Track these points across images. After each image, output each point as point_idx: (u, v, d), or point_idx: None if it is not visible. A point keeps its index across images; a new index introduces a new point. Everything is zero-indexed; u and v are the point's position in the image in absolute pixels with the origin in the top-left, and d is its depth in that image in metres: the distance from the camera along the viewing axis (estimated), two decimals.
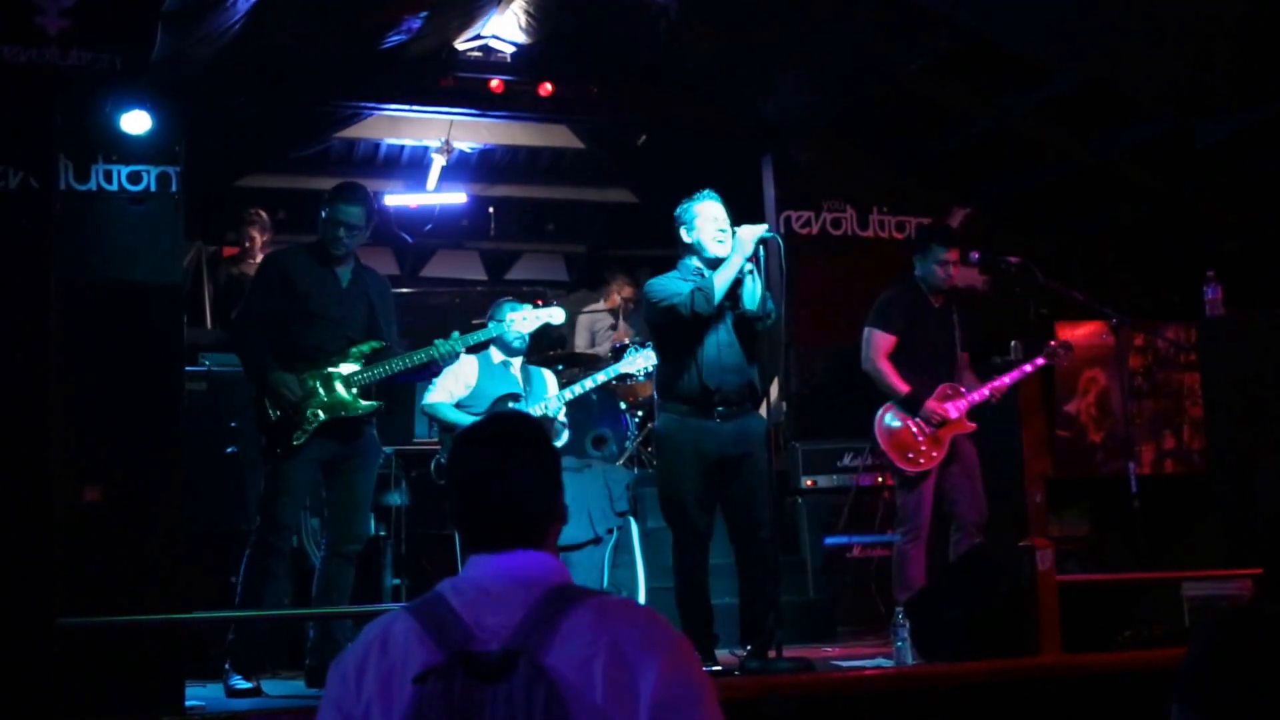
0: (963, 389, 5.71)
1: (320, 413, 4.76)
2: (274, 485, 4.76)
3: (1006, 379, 5.81)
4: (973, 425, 5.67)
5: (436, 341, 4.98)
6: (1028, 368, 5.86)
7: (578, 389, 5.94)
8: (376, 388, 4.95)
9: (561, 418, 5.87)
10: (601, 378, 6.03)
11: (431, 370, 5.21)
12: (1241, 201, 7.20)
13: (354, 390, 4.84)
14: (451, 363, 5.29)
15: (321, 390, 4.79)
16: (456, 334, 5.05)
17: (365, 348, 4.90)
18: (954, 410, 5.61)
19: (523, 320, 5.59)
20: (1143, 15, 5.59)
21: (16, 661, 3.92)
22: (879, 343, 5.72)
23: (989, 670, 4.47)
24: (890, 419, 5.67)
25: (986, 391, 5.71)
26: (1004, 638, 4.65)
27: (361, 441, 4.93)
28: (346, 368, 4.85)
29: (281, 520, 4.74)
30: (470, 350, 6.34)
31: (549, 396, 5.90)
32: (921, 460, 5.58)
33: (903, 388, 5.62)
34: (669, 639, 1.75)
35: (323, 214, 4.93)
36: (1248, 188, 7.05)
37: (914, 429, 5.60)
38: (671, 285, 4.84)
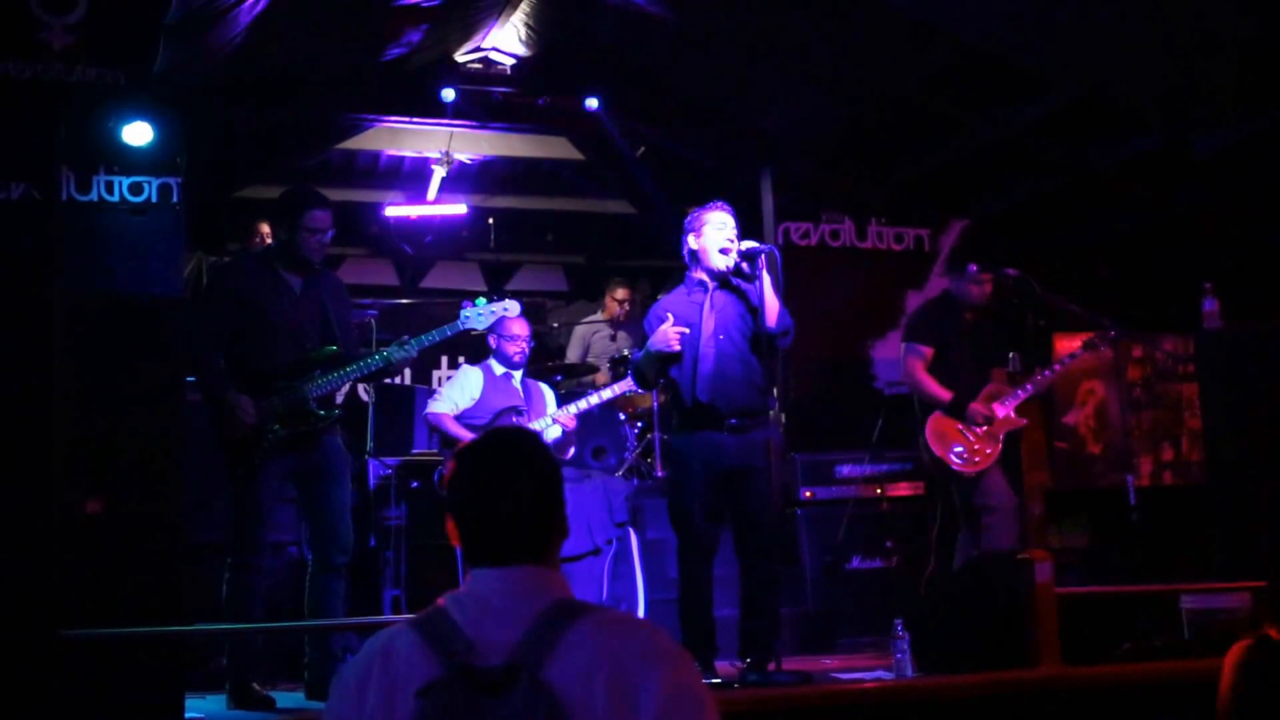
0: (1008, 387, 5.75)
1: (279, 427, 4.66)
2: (242, 507, 4.67)
3: (1048, 373, 5.85)
4: (1023, 421, 5.70)
5: (391, 347, 4.87)
6: (1068, 359, 5.93)
7: (582, 404, 5.94)
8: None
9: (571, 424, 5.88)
10: (607, 394, 6.04)
11: (388, 374, 5.08)
12: (1239, 213, 7.21)
13: (313, 400, 4.72)
14: (405, 367, 5.17)
15: (279, 404, 4.67)
16: (406, 337, 4.90)
17: (320, 355, 4.78)
18: (1000, 409, 5.65)
19: (477, 317, 5.32)
20: (1140, 28, 5.62)
21: (17, 673, 3.91)
22: (917, 355, 5.78)
23: (988, 682, 4.46)
24: (938, 433, 5.67)
25: (1030, 387, 5.74)
26: (1003, 650, 4.65)
27: (326, 451, 4.79)
28: (303, 378, 4.73)
29: (256, 540, 4.67)
30: (472, 362, 6.35)
31: (548, 412, 5.92)
32: (978, 459, 5.62)
33: (945, 394, 5.67)
34: (670, 652, 1.76)
35: (292, 222, 4.74)
36: (1245, 199, 7.07)
37: (963, 431, 5.65)
38: (649, 329, 4.90)
